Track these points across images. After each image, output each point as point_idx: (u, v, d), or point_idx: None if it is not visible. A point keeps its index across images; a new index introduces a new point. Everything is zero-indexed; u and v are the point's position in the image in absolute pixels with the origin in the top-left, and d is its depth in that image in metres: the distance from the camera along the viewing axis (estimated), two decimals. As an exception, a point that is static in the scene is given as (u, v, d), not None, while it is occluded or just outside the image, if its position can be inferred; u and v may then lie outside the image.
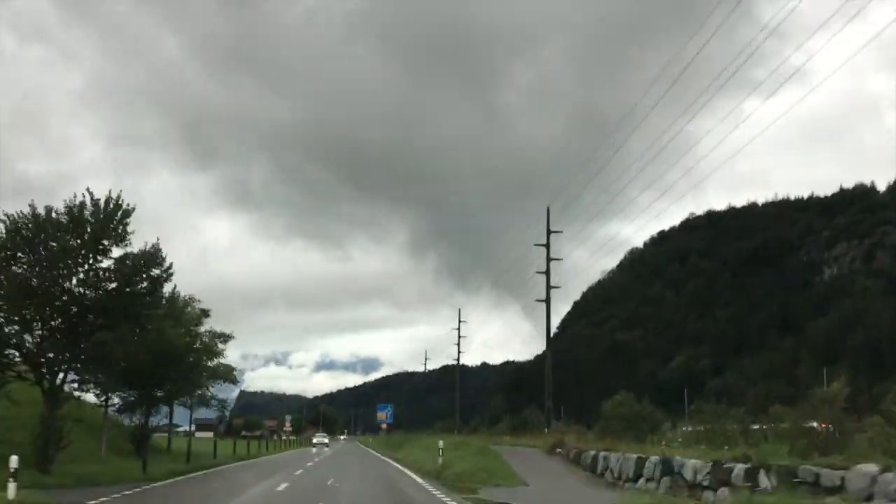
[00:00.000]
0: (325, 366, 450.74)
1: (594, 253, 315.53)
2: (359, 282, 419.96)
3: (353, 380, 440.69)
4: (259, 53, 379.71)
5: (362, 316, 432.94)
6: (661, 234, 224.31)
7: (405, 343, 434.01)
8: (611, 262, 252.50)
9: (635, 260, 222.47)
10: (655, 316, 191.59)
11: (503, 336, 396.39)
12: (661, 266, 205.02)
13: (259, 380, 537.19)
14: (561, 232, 61.72)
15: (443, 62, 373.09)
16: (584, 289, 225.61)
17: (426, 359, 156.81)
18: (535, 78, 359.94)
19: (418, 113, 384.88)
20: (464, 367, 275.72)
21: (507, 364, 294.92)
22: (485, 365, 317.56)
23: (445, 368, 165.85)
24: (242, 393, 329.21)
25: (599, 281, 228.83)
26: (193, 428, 78.59)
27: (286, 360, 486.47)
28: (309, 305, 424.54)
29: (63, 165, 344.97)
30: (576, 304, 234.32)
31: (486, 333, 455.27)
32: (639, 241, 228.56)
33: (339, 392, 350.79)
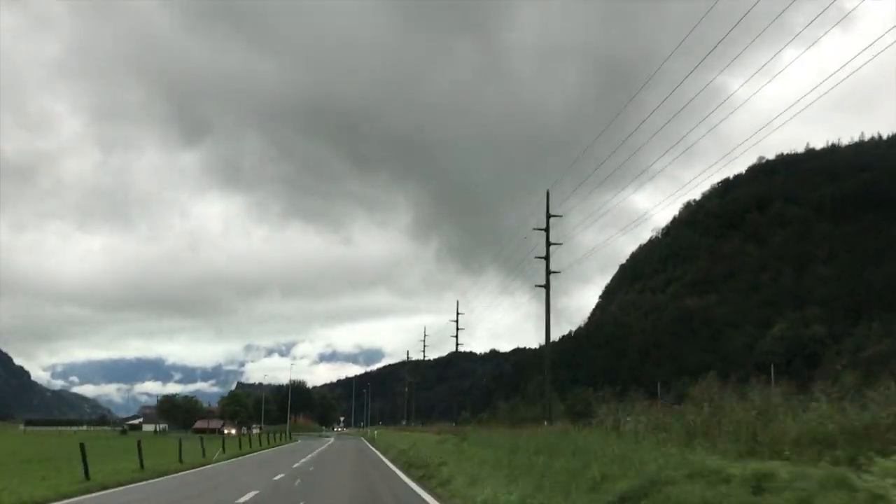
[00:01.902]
0: (328, 357, 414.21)
1: (606, 226, 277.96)
2: (361, 267, 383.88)
3: (355, 370, 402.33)
4: (244, 8, 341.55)
5: (365, 304, 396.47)
6: (726, 182, 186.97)
7: (408, 333, 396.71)
8: (633, 233, 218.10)
9: (696, 213, 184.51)
10: (734, 275, 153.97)
11: (512, 322, 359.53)
12: (733, 217, 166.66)
13: (260, 371, 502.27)
14: (561, 216, 51.72)
15: (443, 13, 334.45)
16: (625, 256, 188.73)
17: (424, 346, 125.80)
18: (543, 28, 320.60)
19: (418, 75, 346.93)
20: (471, 354, 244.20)
21: (517, 351, 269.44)
22: (494, 352, 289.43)
23: (451, 357, 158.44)
24: (241, 384, 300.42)
25: (652, 240, 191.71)
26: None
27: (289, 352, 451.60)
28: (311, 294, 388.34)
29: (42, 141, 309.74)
30: (623, 267, 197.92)
31: (493, 319, 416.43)
32: (660, 213, 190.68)
33: (339, 382, 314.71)
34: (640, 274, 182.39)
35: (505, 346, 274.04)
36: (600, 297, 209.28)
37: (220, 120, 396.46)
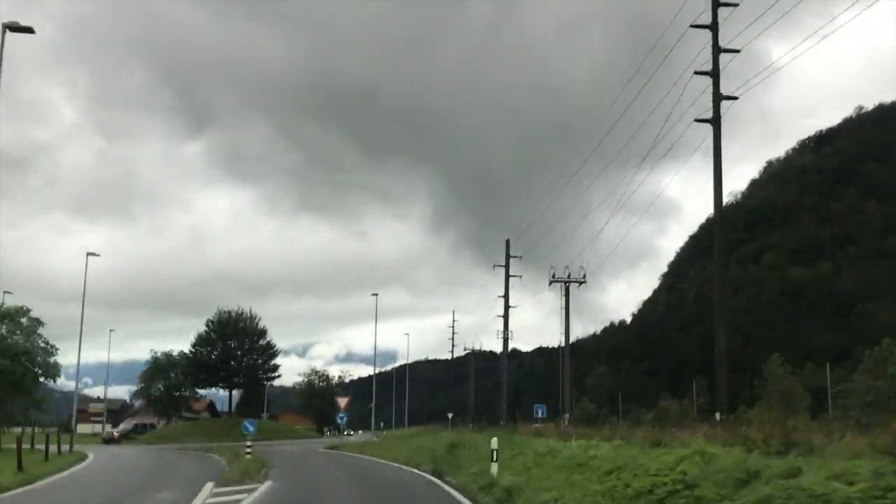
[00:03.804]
0: (344, 358, 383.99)
1: (634, 213, 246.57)
2: (375, 263, 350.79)
3: (369, 372, 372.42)
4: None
5: (381, 303, 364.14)
6: (819, 135, 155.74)
7: (425, 334, 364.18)
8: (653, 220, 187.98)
9: (786, 171, 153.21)
10: (852, 238, 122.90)
11: (535, 319, 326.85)
12: (841, 171, 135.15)
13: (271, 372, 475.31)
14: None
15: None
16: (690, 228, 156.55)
17: (452, 345, 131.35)
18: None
19: (429, 46, 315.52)
20: (491, 353, 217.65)
21: (540, 350, 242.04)
22: (515, 351, 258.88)
23: (468, 356, 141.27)
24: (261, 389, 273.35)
25: (730, 205, 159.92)
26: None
27: (306, 353, 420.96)
28: (325, 293, 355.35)
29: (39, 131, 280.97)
30: (693, 238, 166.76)
31: (519, 317, 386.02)
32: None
33: (352, 382, 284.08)
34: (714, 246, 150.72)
35: (525, 345, 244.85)
36: (662, 276, 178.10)
37: (223, 105, 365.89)
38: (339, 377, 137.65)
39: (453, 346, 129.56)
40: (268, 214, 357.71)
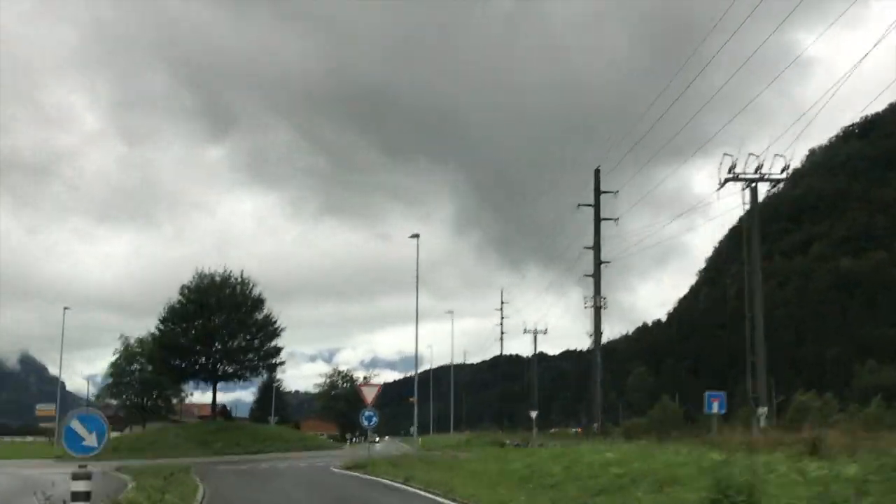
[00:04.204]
0: (370, 363, 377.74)
1: (663, 209, 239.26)
2: (399, 266, 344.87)
3: (395, 377, 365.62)
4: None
5: (405, 308, 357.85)
6: (865, 121, 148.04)
7: (449, 337, 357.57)
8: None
9: (831, 158, 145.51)
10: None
11: (560, 322, 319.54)
12: (890, 159, 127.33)
13: (301, 379, 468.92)
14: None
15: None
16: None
17: (503, 341, 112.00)
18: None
19: (449, 46, 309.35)
20: (518, 357, 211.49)
21: (567, 353, 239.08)
22: (542, 354, 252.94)
23: (496, 360, 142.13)
24: (278, 391, 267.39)
25: (771, 195, 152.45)
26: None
27: (332, 358, 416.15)
28: (349, 297, 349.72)
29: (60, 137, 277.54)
30: (734, 229, 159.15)
31: (539, 319, 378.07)
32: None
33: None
34: (761, 236, 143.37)
35: (552, 349, 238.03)
36: (699, 272, 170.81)
37: (245, 108, 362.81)
38: (365, 378, 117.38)
39: (502, 343, 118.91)
40: (291, 218, 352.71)
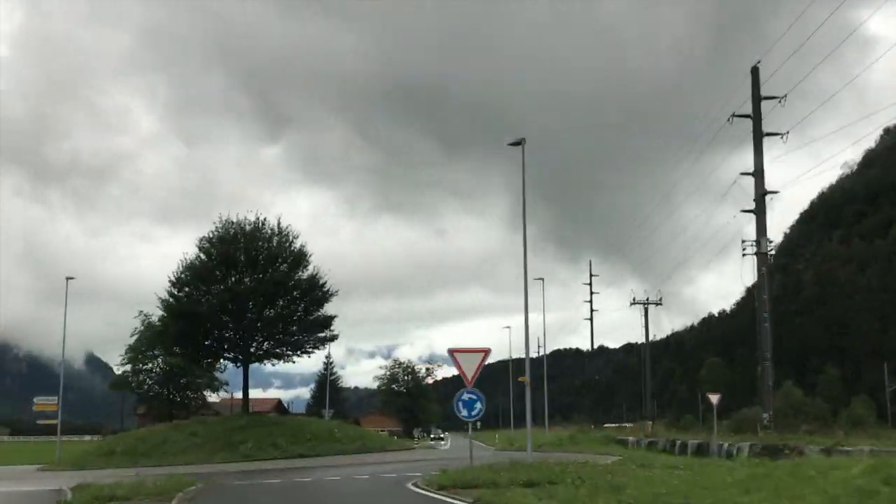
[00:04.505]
0: (427, 360, 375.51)
1: (714, 198, 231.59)
2: (455, 262, 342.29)
3: (452, 372, 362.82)
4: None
5: (461, 303, 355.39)
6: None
7: (506, 332, 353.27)
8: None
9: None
10: None
11: (618, 313, 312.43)
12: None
13: (359, 376, 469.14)
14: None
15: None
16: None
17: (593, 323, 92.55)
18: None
19: (500, 37, 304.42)
20: (577, 350, 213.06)
21: (628, 346, 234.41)
22: (602, 348, 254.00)
23: (556, 354, 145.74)
24: (338, 388, 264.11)
25: (843, 177, 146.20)
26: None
27: (390, 355, 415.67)
28: (407, 294, 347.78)
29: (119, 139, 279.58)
30: (804, 214, 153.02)
31: (604, 313, 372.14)
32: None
33: (435, 383, 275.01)
34: (834, 220, 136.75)
35: (612, 342, 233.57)
36: (772, 254, 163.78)
37: (300, 106, 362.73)
38: (428, 369, 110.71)
39: (592, 337, 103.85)
40: (347, 216, 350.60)
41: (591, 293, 78.42)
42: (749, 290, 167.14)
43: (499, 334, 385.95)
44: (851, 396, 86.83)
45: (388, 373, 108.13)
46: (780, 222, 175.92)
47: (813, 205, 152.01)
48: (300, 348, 53.76)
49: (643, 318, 65.77)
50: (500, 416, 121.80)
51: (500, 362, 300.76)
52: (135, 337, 73.42)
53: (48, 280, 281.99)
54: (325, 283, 52.05)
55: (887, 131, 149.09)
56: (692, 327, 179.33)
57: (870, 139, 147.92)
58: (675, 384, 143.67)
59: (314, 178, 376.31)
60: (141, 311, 72.40)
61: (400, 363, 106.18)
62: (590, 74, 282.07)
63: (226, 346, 53.66)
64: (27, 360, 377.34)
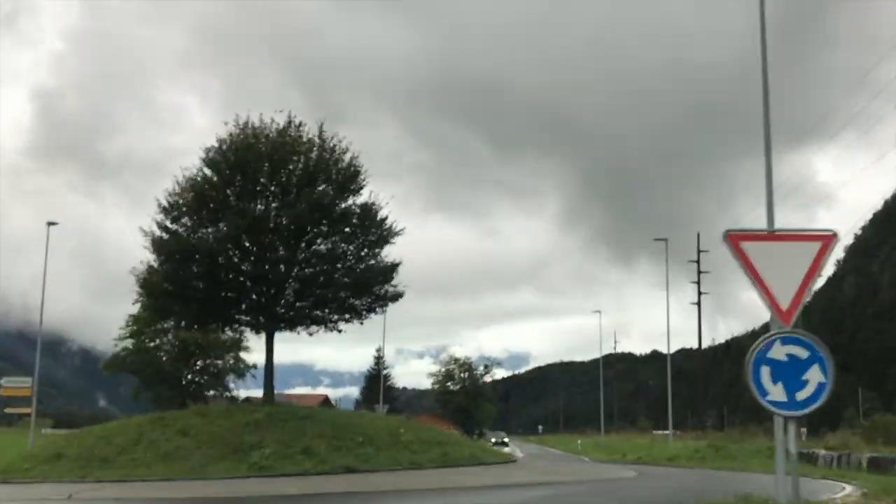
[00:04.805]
0: (477, 361, 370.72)
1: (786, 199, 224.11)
2: (506, 262, 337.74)
3: (502, 374, 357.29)
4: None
5: (511, 305, 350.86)
6: None
7: (557, 335, 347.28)
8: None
9: None
10: None
11: (676, 319, 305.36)
12: None
13: (408, 376, 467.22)
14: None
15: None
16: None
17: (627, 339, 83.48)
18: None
19: (555, 34, 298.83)
20: (630, 355, 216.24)
21: (682, 352, 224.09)
22: (655, 353, 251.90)
23: (608, 358, 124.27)
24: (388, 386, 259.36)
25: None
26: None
27: (439, 356, 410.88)
28: (456, 294, 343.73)
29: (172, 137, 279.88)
30: (878, 215, 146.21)
31: (656, 315, 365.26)
32: None
33: (484, 385, 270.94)
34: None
35: (665, 346, 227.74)
36: (837, 261, 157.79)
37: (352, 104, 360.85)
38: (486, 366, 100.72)
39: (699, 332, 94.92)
40: (398, 215, 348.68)
41: (699, 275, 60.79)
42: (817, 294, 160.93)
43: (547, 337, 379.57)
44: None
45: (443, 370, 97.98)
46: (849, 222, 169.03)
47: (887, 204, 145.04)
48: (350, 309, 35.54)
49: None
50: (560, 420, 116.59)
51: (550, 365, 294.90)
52: (137, 305, 49.62)
53: (101, 275, 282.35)
54: (387, 216, 34.34)
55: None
56: (753, 332, 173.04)
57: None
58: (741, 389, 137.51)
59: (365, 176, 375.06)
60: (133, 267, 37.67)
61: (456, 360, 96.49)
62: (647, 71, 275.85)
63: (242, 304, 35.30)
64: (80, 353, 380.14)
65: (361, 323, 36.62)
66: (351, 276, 34.43)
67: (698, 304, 58.08)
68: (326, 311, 35.56)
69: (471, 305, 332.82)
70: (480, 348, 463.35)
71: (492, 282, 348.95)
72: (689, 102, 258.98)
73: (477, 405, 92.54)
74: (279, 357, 44.38)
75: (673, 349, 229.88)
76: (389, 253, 35.08)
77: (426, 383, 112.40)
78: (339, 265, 34.49)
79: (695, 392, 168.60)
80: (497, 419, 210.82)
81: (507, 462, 36.80)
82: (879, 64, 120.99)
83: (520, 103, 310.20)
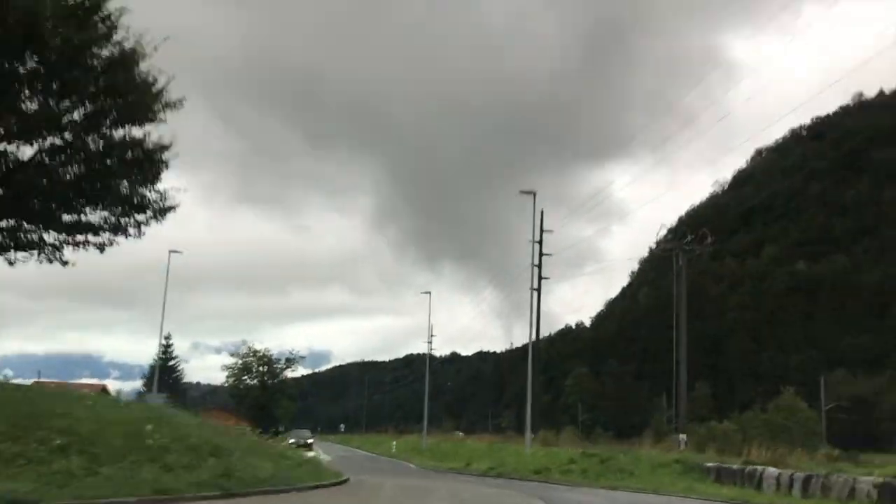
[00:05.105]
0: (279, 354, 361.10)
1: (590, 213, 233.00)
2: (315, 259, 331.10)
3: (301, 373, 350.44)
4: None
5: (318, 302, 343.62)
6: (816, 121, 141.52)
7: (359, 335, 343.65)
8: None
9: (780, 158, 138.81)
10: (869, 230, 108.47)
11: (474, 321, 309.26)
12: (851, 157, 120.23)
13: (203, 371, 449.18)
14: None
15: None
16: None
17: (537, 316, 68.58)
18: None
19: (377, 31, 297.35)
20: (431, 356, 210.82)
21: (482, 354, 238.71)
22: (455, 355, 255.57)
23: (409, 359, 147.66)
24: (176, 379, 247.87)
25: (714, 195, 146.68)
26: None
27: (238, 351, 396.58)
28: (261, 289, 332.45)
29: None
30: (672, 231, 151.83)
31: (457, 318, 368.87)
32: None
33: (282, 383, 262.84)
34: (702, 237, 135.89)
35: (465, 349, 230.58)
36: (632, 273, 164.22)
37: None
38: (289, 359, 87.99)
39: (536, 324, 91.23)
40: (202, 204, 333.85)
41: (540, 258, 54.57)
42: (613, 302, 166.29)
43: (352, 337, 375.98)
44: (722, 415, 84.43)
45: (240, 362, 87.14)
46: (646, 238, 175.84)
47: (681, 220, 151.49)
48: (100, 205, 21.07)
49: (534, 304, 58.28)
50: (362, 420, 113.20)
51: (351, 364, 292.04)
52: None
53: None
54: (156, 79, 20.46)
55: (759, 153, 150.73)
56: (549, 337, 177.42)
57: (740, 160, 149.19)
58: (538, 392, 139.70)
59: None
60: None
61: (255, 352, 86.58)
62: (464, 78, 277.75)
63: None
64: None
65: (102, 250, 21.62)
66: (100, 158, 20.16)
67: (538, 287, 52.70)
68: (59, 210, 20.96)
69: (277, 302, 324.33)
70: (283, 345, 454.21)
71: (300, 279, 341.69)
72: (500, 111, 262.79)
73: (276, 401, 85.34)
74: (63, 346, 37.05)
75: (471, 352, 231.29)
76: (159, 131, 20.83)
77: (222, 378, 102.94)
78: (81, 137, 19.81)
79: (496, 394, 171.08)
80: (297, 417, 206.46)
81: (334, 484, 21.66)
82: (678, 89, 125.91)
83: (337, 98, 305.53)
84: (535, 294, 40.35)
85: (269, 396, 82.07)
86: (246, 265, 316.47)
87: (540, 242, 40.70)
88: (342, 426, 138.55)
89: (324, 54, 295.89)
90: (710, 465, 27.36)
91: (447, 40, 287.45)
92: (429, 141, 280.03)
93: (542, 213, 42.23)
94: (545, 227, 44.60)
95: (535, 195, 39.40)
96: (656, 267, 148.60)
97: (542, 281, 40.36)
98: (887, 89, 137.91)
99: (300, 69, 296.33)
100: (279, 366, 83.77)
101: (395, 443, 61.93)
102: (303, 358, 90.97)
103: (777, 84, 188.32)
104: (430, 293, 55.70)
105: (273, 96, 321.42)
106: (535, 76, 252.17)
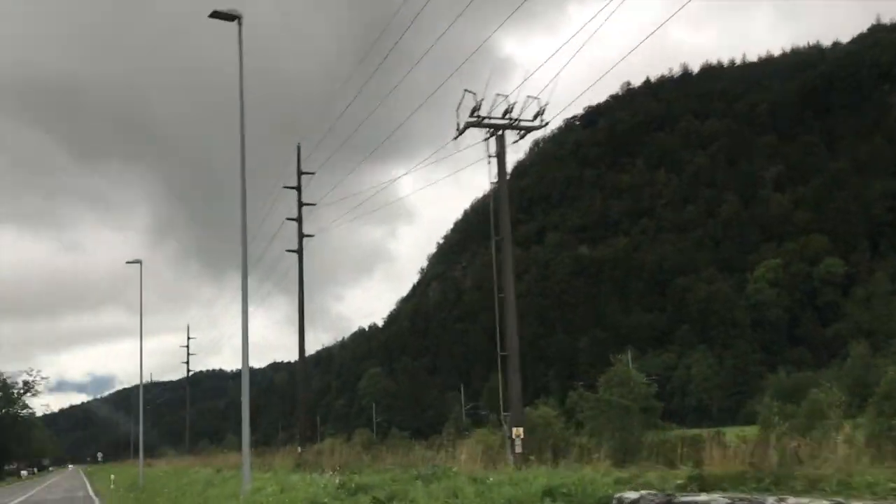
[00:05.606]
0: (56, 388, 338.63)
1: (364, 214, 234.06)
2: (91, 280, 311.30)
3: (83, 399, 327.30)
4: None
5: (97, 325, 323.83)
6: (588, 110, 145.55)
7: (148, 355, 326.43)
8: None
9: (558, 147, 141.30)
10: (647, 212, 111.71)
11: (267, 331, 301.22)
12: (622, 142, 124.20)
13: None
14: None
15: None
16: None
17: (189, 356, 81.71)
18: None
19: (138, 38, 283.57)
20: (221, 372, 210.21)
21: (276, 365, 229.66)
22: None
23: (195, 377, 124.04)
24: None
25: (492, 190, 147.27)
26: None
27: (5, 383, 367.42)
28: (31, 314, 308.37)
29: None
30: (458, 224, 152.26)
31: (253, 330, 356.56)
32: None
33: (63, 412, 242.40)
34: (487, 229, 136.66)
35: (257, 362, 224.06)
36: (421, 269, 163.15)
37: None
38: (27, 382, 74.93)
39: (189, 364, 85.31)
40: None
41: (300, 209, 51.08)
42: (400, 302, 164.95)
43: (135, 357, 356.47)
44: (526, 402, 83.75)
45: None
46: (434, 233, 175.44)
47: (466, 213, 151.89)
48: None
49: (298, 323, 50.84)
50: (138, 445, 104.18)
51: (136, 385, 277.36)
52: None
53: None
54: None
55: (536, 144, 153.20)
56: (343, 341, 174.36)
57: (519, 153, 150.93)
58: (331, 398, 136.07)
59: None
60: None
61: None
62: (234, 79, 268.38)
63: None
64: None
65: None
66: None
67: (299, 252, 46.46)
68: None
69: (49, 326, 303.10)
70: (60, 373, 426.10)
71: (74, 300, 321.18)
72: (275, 113, 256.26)
73: (16, 434, 72.35)
74: None
75: (265, 363, 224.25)
76: None
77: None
78: None
79: (290, 405, 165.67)
80: (75, 446, 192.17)
81: None
82: (455, 88, 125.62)
83: (101, 107, 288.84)
84: (299, 249, 35.48)
85: (5, 428, 69.81)
86: (13, 289, 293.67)
87: (299, 189, 35.60)
88: (100, 455, 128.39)
89: (86, 64, 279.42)
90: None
91: (211, 41, 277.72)
92: (201, 149, 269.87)
93: (298, 147, 37.07)
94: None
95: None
96: (444, 260, 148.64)
97: (303, 256, 35.35)
98: (653, 77, 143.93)
99: (59, 78, 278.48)
100: (15, 391, 71.81)
101: (112, 476, 51.14)
102: (45, 379, 78.83)
103: (549, 77, 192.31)
104: (140, 261, 38.99)
105: (35, 109, 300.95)
106: (308, 77, 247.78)
